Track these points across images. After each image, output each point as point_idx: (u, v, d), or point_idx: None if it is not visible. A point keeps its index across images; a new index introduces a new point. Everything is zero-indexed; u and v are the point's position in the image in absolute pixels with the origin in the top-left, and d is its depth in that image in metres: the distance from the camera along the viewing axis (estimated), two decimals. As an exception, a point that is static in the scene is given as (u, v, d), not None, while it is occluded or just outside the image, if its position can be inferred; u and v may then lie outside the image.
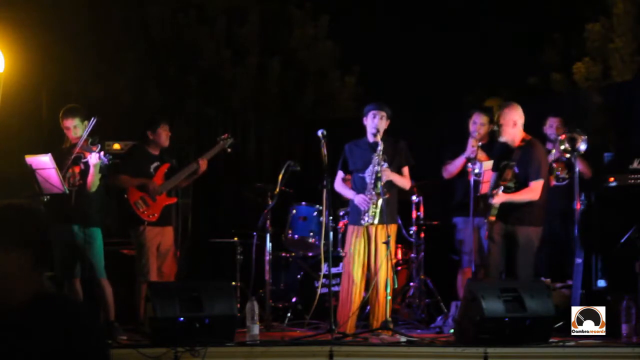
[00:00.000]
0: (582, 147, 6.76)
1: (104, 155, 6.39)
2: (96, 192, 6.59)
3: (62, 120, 6.64)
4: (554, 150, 7.29)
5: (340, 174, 7.03)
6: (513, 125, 6.63)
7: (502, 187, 6.48)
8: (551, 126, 7.54)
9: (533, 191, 6.54)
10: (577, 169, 6.77)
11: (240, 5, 10.83)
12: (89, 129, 6.46)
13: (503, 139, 6.66)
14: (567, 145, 6.77)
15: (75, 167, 6.56)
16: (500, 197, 6.46)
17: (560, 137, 6.90)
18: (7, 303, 2.32)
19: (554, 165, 7.37)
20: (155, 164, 7.19)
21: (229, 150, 7.54)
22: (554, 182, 7.33)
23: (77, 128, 6.58)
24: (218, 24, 10.66)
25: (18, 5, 8.61)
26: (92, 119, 6.47)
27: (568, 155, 6.85)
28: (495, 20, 10.87)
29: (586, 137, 6.77)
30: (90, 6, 9.73)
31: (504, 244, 6.64)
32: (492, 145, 7.20)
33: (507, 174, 6.57)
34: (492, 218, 6.53)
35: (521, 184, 6.58)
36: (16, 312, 2.31)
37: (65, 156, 6.56)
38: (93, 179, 6.50)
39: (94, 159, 6.38)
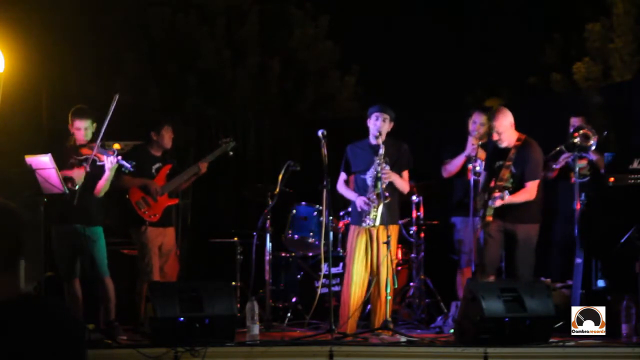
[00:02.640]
0: (593, 145, 6.76)
1: (126, 161, 6.36)
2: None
3: (73, 120, 6.56)
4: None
5: (342, 176, 7.02)
6: (510, 129, 6.65)
7: (507, 192, 6.46)
8: (573, 125, 7.46)
9: (529, 192, 6.55)
10: (577, 168, 6.78)
11: (240, 5, 10.83)
12: (111, 110, 6.36)
13: (504, 144, 6.66)
14: (578, 140, 6.75)
15: (79, 167, 6.51)
16: (500, 202, 6.46)
17: (573, 134, 6.86)
18: None
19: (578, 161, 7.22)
20: (157, 165, 7.19)
21: (230, 153, 7.53)
22: (574, 179, 7.22)
23: (87, 130, 6.54)
24: (218, 24, 10.66)
25: (18, 5, 8.61)
26: (115, 96, 6.37)
27: (577, 141, 6.78)
28: (495, 21, 10.88)
29: (597, 135, 6.76)
30: (90, 6, 9.72)
31: (503, 241, 6.64)
32: (491, 145, 7.21)
33: (503, 174, 6.57)
34: (490, 218, 6.55)
35: (518, 182, 6.59)
36: None
37: (70, 155, 6.54)
38: (105, 184, 6.48)
39: (110, 162, 6.36)
